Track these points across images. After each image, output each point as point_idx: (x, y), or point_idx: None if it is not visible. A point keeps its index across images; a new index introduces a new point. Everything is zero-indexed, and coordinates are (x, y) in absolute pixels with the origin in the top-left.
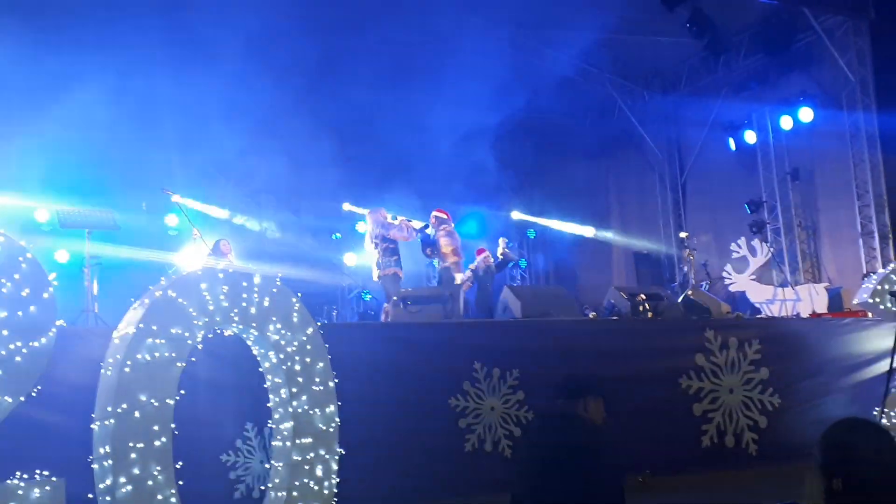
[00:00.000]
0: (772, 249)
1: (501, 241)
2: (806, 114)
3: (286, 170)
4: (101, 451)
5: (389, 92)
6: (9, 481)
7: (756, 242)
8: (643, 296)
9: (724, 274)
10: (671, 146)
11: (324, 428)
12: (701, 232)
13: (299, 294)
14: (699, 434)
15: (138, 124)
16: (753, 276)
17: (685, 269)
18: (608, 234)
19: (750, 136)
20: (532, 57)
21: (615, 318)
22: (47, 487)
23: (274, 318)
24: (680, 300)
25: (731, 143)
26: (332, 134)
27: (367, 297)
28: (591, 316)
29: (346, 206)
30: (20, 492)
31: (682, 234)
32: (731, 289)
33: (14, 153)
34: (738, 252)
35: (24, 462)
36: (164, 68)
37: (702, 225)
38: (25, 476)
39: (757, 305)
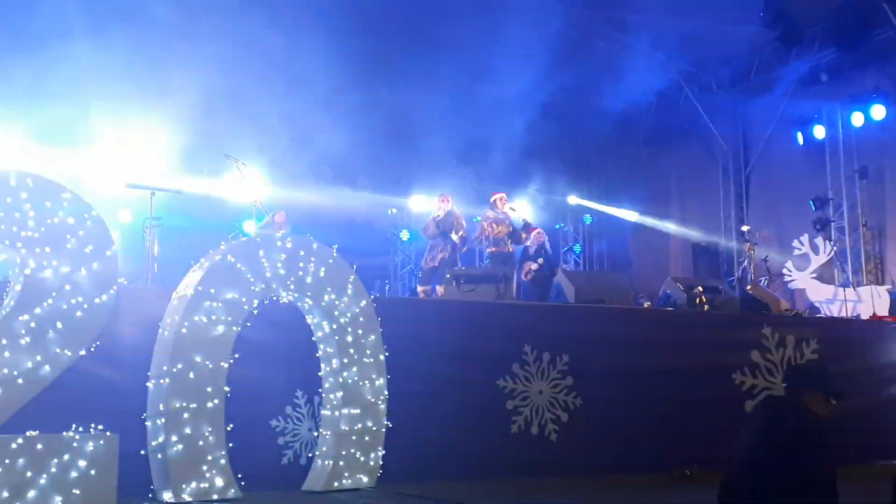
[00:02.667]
0: (835, 248)
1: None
2: (878, 111)
3: (346, 143)
4: (155, 409)
5: (448, 72)
6: (65, 433)
7: (819, 240)
8: (700, 288)
9: (785, 271)
10: (736, 137)
11: (372, 400)
12: (763, 227)
13: (354, 266)
14: None
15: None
16: (814, 275)
17: (745, 263)
18: (667, 224)
19: (819, 132)
20: (597, 39)
21: (670, 308)
22: (101, 441)
23: (329, 289)
24: (738, 295)
25: (799, 138)
26: (391, 112)
27: (420, 274)
28: (645, 305)
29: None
30: (75, 444)
31: (745, 228)
32: (791, 286)
33: (80, 113)
34: (801, 249)
35: (81, 415)
36: (234, 33)
37: (764, 220)
38: (81, 429)
39: (816, 304)
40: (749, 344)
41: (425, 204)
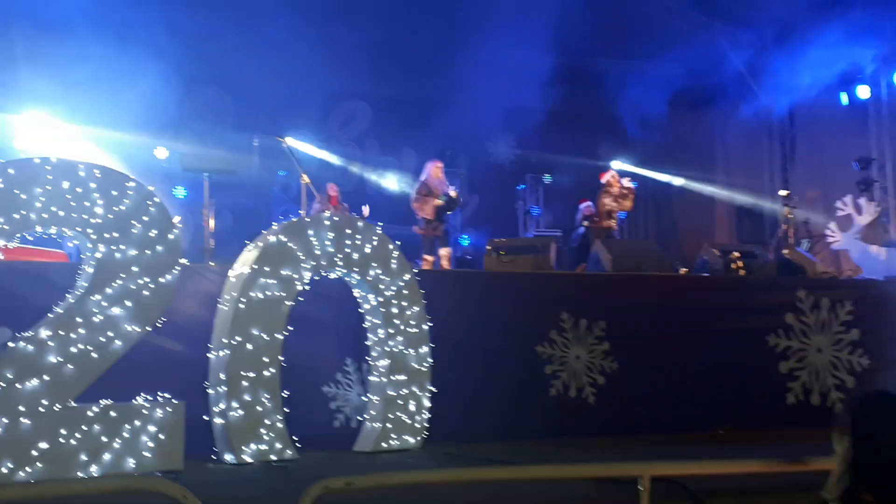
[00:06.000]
0: (878, 208)
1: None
2: None
3: (388, 114)
4: (217, 378)
5: (481, 37)
6: (135, 401)
7: (863, 201)
8: (737, 253)
9: (828, 231)
10: (781, 98)
11: (417, 367)
12: (808, 188)
13: (398, 242)
14: (784, 391)
15: (251, 64)
16: (857, 235)
17: (784, 227)
18: (711, 187)
19: (863, 91)
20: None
21: (706, 274)
22: (168, 408)
23: (374, 264)
24: (775, 259)
25: (844, 98)
26: (430, 80)
27: (466, 242)
28: (681, 272)
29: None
30: (145, 411)
31: (782, 193)
32: (834, 247)
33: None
34: (844, 209)
35: (149, 385)
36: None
37: (810, 181)
38: (149, 397)
39: (860, 265)
40: (784, 307)
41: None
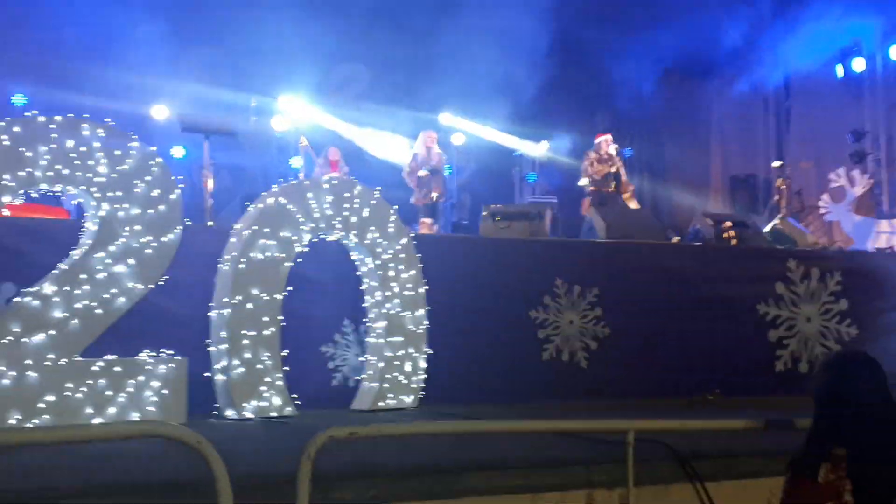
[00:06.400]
0: (871, 180)
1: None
2: None
3: (387, 77)
4: (218, 336)
5: (466, 22)
6: (139, 357)
7: (856, 173)
8: (729, 223)
9: (821, 203)
10: (777, 70)
11: (413, 329)
12: (803, 159)
13: (396, 206)
14: (773, 359)
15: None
16: (850, 207)
17: (776, 197)
18: (706, 157)
19: (858, 64)
20: None
21: (698, 243)
22: (172, 364)
23: (372, 228)
24: (767, 229)
25: (839, 70)
26: (428, 42)
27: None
28: (674, 240)
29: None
30: (149, 367)
31: (775, 164)
32: (827, 218)
33: (136, 53)
34: (837, 181)
35: (152, 341)
36: None
37: (805, 152)
38: (153, 353)
39: (851, 236)
40: (774, 276)
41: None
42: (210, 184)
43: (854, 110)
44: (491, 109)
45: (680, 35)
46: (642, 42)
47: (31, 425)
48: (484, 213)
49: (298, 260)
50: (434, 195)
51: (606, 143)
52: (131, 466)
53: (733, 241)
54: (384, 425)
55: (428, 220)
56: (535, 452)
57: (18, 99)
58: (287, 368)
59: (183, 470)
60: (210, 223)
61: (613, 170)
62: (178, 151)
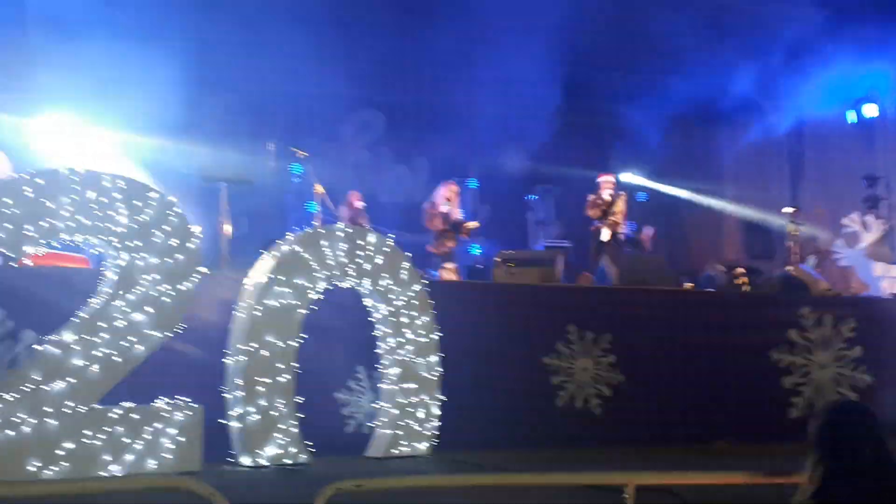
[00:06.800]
0: (886, 226)
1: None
2: None
3: (400, 124)
4: (233, 383)
5: (491, 48)
6: (155, 404)
7: (870, 218)
8: (741, 269)
9: (835, 248)
10: (790, 115)
11: (426, 375)
12: (817, 204)
13: (409, 254)
14: (787, 406)
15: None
16: (864, 252)
17: (789, 244)
18: (721, 202)
19: (870, 110)
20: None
21: (710, 290)
22: (188, 411)
23: (385, 275)
24: (779, 276)
25: (851, 116)
26: (441, 88)
27: (477, 252)
28: (686, 286)
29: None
30: (165, 414)
31: (787, 209)
32: (841, 264)
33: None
34: (851, 226)
35: (169, 389)
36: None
37: (818, 197)
38: (169, 400)
39: (865, 282)
40: (787, 323)
41: None
42: (228, 230)
43: (867, 155)
44: (504, 154)
45: (693, 81)
46: (656, 88)
47: (49, 472)
48: (496, 259)
49: (313, 307)
50: (449, 245)
51: (605, 186)
52: None
53: (745, 288)
54: (389, 479)
55: (451, 266)
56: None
57: None
58: (302, 415)
59: None
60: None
61: (612, 218)
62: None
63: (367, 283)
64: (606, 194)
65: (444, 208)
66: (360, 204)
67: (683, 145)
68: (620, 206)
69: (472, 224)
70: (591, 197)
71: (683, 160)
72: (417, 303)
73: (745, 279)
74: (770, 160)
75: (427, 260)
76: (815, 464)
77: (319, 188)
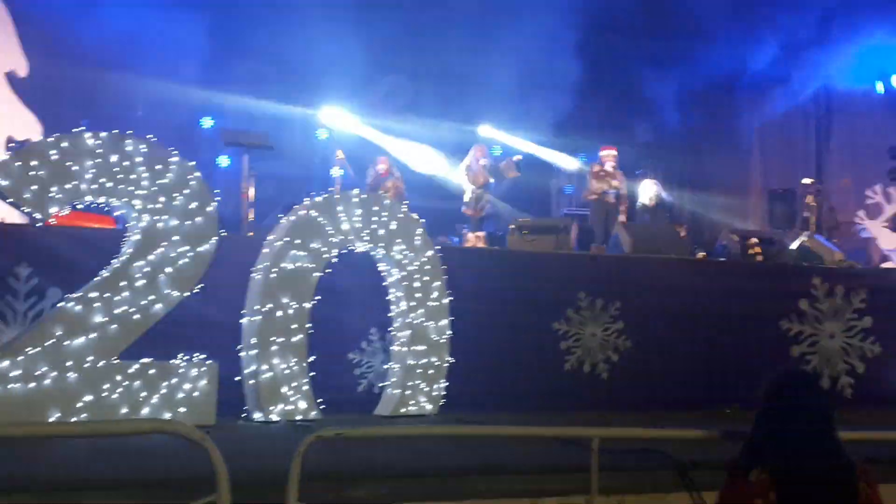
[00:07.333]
0: None
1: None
2: None
3: (428, 89)
4: (248, 342)
5: (517, 12)
6: (173, 361)
7: (893, 189)
8: (755, 239)
9: (857, 219)
10: (818, 84)
11: (436, 338)
12: (842, 175)
13: (423, 220)
14: None
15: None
16: (886, 224)
17: (806, 214)
18: (746, 171)
19: None
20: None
21: (723, 259)
22: (203, 368)
23: (399, 240)
24: (794, 246)
25: (879, 86)
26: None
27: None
28: (699, 256)
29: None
30: (181, 370)
31: (806, 181)
32: (862, 235)
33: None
34: (874, 197)
35: (186, 346)
36: None
37: (844, 168)
38: (186, 357)
39: (886, 253)
40: (798, 293)
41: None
42: (251, 193)
43: (894, 127)
44: (530, 122)
45: (722, 49)
46: (685, 56)
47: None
48: (511, 227)
49: (328, 270)
50: (485, 207)
51: (607, 159)
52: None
53: (758, 258)
54: (370, 428)
55: (480, 234)
56: (536, 458)
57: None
58: (314, 374)
59: (193, 464)
60: (250, 234)
61: (614, 184)
62: (223, 160)
63: (380, 247)
64: (609, 166)
65: (483, 161)
66: (386, 167)
67: (709, 114)
68: (621, 177)
69: (517, 157)
70: (594, 168)
71: (709, 128)
72: (429, 268)
73: (759, 249)
74: (797, 129)
75: (450, 227)
76: (756, 425)
77: (340, 153)
